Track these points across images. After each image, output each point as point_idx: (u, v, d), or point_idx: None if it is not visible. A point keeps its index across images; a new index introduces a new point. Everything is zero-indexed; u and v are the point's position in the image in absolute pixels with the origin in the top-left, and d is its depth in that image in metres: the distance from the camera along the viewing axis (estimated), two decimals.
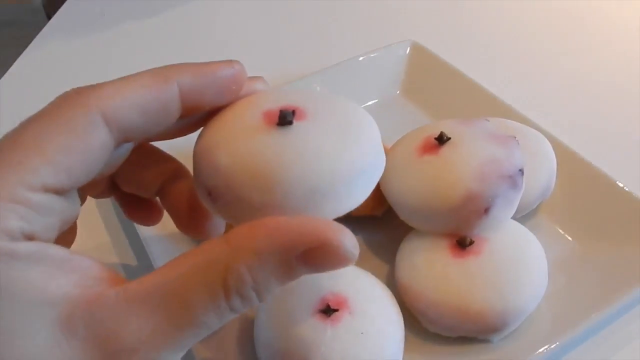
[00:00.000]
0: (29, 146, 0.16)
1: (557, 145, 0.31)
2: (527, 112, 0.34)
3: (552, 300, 0.26)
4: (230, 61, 0.20)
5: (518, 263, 0.25)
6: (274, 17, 0.51)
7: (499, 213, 0.25)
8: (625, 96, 0.41)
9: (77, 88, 0.18)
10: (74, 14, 0.52)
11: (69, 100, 0.17)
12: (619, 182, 0.30)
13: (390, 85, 0.40)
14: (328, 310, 0.23)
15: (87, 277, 0.16)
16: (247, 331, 0.26)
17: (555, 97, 0.41)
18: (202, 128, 0.21)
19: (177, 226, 0.24)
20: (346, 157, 0.18)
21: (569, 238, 0.30)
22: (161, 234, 0.28)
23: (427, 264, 0.26)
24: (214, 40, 0.49)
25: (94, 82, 0.18)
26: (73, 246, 0.22)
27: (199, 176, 0.20)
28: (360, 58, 0.39)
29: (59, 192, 0.17)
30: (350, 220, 0.30)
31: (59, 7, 0.52)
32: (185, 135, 0.22)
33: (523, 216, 0.29)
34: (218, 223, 0.23)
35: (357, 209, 0.29)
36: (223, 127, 0.19)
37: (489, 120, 0.28)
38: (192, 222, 0.23)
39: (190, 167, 0.21)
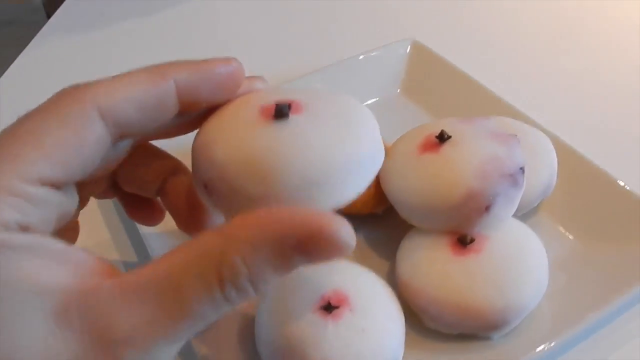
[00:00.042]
0: (25, 140, 0.16)
1: (558, 144, 0.31)
2: (528, 110, 0.34)
3: (552, 299, 0.26)
4: (228, 58, 0.20)
5: (519, 261, 0.25)
6: (274, 15, 0.51)
7: (499, 211, 0.25)
8: (627, 95, 0.41)
9: (75, 84, 0.18)
10: (74, 12, 0.52)
11: (66, 96, 0.17)
12: (620, 180, 0.30)
13: (390, 84, 0.40)
14: (329, 307, 0.23)
15: (83, 269, 0.16)
16: (248, 328, 0.26)
17: (557, 95, 0.41)
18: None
19: (178, 225, 0.24)
20: (342, 148, 0.18)
21: (570, 236, 0.30)
22: (162, 233, 0.28)
23: (427, 261, 0.26)
24: (214, 38, 0.49)
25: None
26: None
27: (196, 171, 0.20)
28: (361, 57, 0.39)
29: (56, 185, 0.17)
30: (350, 218, 0.30)
31: (58, 6, 0.52)
32: (185, 133, 0.22)
33: (524, 214, 0.29)
34: (217, 220, 0.23)
35: (357, 208, 0.29)
36: (220, 123, 0.20)
37: (490, 119, 0.28)
38: (191, 220, 0.23)
39: (190, 165, 0.21)
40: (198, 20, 0.51)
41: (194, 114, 0.21)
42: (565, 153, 0.31)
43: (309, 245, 0.15)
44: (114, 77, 0.18)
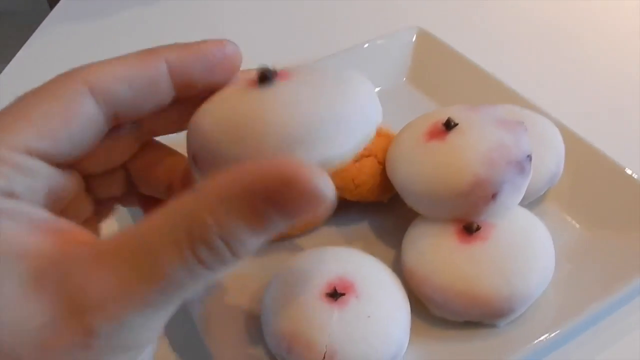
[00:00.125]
0: (15, 113, 0.17)
1: (565, 132, 0.30)
2: (535, 98, 0.34)
3: (558, 287, 0.26)
4: (221, 40, 0.20)
5: (525, 249, 0.25)
6: (278, 3, 0.51)
7: (506, 199, 0.25)
8: (634, 83, 0.40)
9: (70, 69, 0.18)
10: (77, 3, 0.52)
11: (59, 77, 0.18)
12: (627, 169, 0.30)
13: (396, 72, 0.39)
14: (335, 294, 0.23)
15: (64, 237, 0.16)
16: (254, 314, 0.26)
17: (564, 83, 0.41)
18: None
19: None
20: (324, 105, 0.17)
21: (576, 225, 0.30)
22: None
23: (433, 249, 0.26)
24: (218, 26, 0.48)
25: None
26: None
27: (188, 148, 0.20)
28: (366, 45, 0.39)
29: (45, 157, 0.17)
30: (356, 206, 0.31)
31: None
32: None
33: (530, 203, 0.29)
34: None
35: (363, 195, 0.29)
36: (211, 99, 0.19)
37: (496, 107, 0.28)
38: None
39: None
40: (201, 8, 0.51)
41: (197, 102, 0.21)
42: (572, 141, 0.31)
43: (281, 197, 0.14)
44: (105, 59, 0.18)
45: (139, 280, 0.14)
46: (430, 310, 0.26)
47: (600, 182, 0.30)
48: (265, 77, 0.18)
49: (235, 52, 0.20)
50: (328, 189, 0.14)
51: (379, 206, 0.30)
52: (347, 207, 0.30)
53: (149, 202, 0.24)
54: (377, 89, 0.39)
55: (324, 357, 0.22)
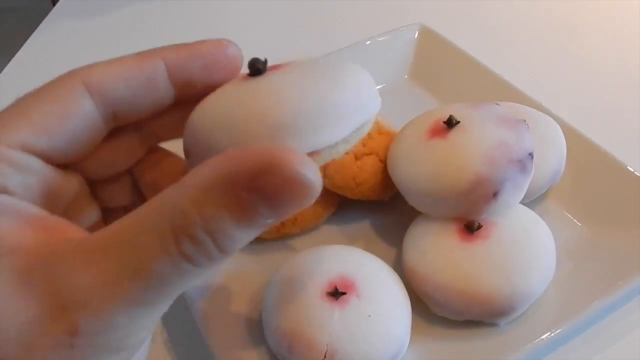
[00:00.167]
0: (13, 112, 0.17)
1: (567, 130, 0.30)
2: (537, 96, 0.34)
3: (560, 285, 0.26)
4: (221, 40, 0.20)
5: (526, 248, 0.25)
6: (280, 1, 0.50)
7: (507, 197, 0.25)
8: (636, 81, 0.40)
9: (70, 70, 0.18)
10: None
11: (58, 78, 0.18)
12: (629, 166, 0.29)
13: (398, 69, 0.39)
14: (336, 293, 0.23)
15: (54, 233, 0.15)
16: (255, 313, 0.26)
17: (566, 81, 0.41)
18: None
19: None
20: (313, 92, 0.17)
21: (578, 223, 0.30)
22: None
23: (434, 248, 0.25)
24: (220, 21, 0.48)
25: None
26: None
27: (183, 146, 0.19)
28: (368, 42, 0.39)
29: (41, 154, 0.17)
30: (358, 204, 0.31)
31: None
32: None
33: (532, 201, 0.29)
34: None
35: (364, 194, 0.29)
36: (207, 97, 0.19)
37: (498, 104, 0.28)
38: None
39: None
40: (203, 3, 0.51)
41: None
42: (574, 139, 0.31)
43: (262, 182, 0.13)
44: (104, 60, 0.19)
45: (124, 276, 0.14)
46: (431, 309, 0.26)
47: (602, 180, 0.30)
48: (255, 67, 0.18)
49: (236, 52, 0.20)
50: (314, 176, 0.13)
51: (380, 204, 0.30)
52: (348, 206, 0.30)
53: None
54: (379, 86, 0.39)
55: (325, 356, 0.22)
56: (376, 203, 0.30)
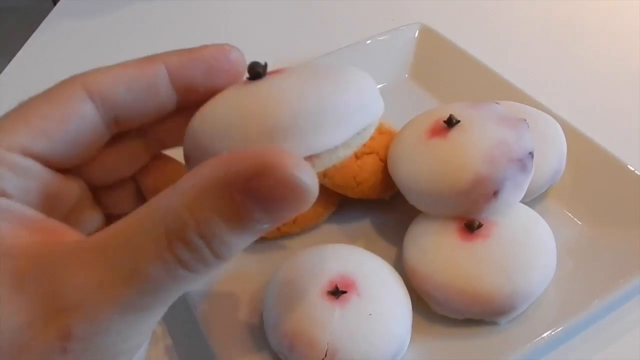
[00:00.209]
0: (13, 116, 0.17)
1: (567, 129, 0.30)
2: (537, 95, 0.34)
3: (560, 284, 0.26)
4: (224, 45, 0.20)
5: (526, 246, 0.25)
6: (280, 1, 0.50)
7: (508, 196, 0.25)
8: (636, 80, 0.40)
9: (72, 75, 0.18)
10: None
11: (59, 83, 0.18)
12: (630, 165, 0.29)
13: (398, 68, 0.39)
14: (336, 292, 0.23)
15: (50, 236, 0.15)
16: (256, 313, 0.26)
17: (566, 80, 0.41)
18: None
19: None
20: (312, 93, 0.16)
21: (578, 222, 0.30)
22: None
23: (435, 246, 0.26)
24: (220, 21, 0.48)
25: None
26: None
27: (183, 151, 0.19)
28: (368, 41, 0.39)
29: (41, 158, 0.17)
30: (358, 204, 0.31)
31: None
32: None
33: (532, 200, 0.29)
34: None
35: (365, 193, 0.29)
36: (208, 102, 0.19)
37: (498, 104, 0.28)
38: None
39: None
40: (203, 3, 0.51)
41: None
42: (574, 138, 0.31)
43: (256, 185, 0.13)
44: (106, 66, 0.18)
45: (118, 279, 0.13)
46: (432, 308, 0.26)
47: (603, 179, 0.30)
48: (254, 71, 0.18)
49: (239, 57, 0.19)
50: (309, 180, 0.13)
51: (380, 204, 0.30)
52: (349, 205, 0.30)
53: None
54: (379, 86, 0.38)
55: (326, 355, 0.22)
56: (376, 202, 0.30)
